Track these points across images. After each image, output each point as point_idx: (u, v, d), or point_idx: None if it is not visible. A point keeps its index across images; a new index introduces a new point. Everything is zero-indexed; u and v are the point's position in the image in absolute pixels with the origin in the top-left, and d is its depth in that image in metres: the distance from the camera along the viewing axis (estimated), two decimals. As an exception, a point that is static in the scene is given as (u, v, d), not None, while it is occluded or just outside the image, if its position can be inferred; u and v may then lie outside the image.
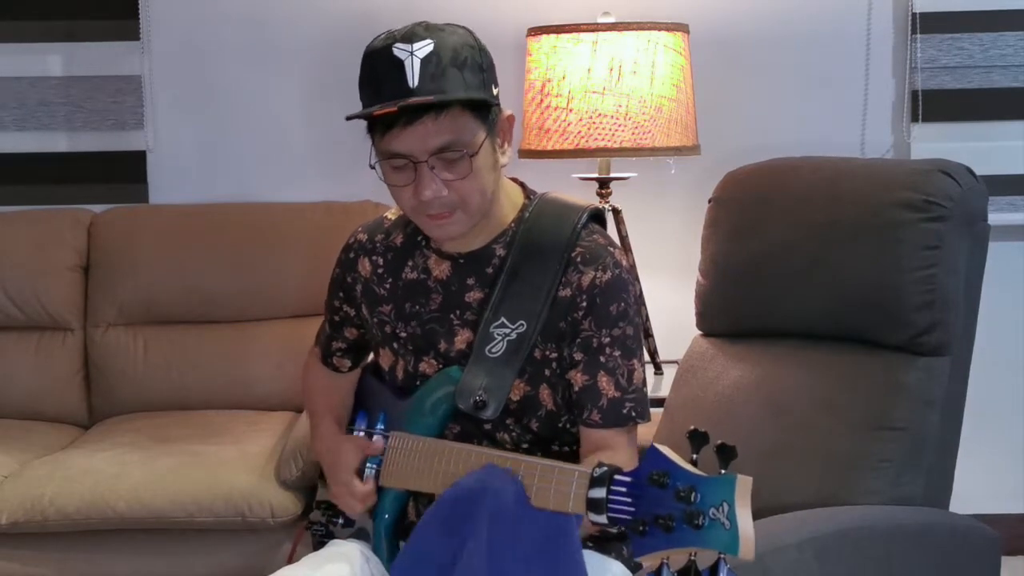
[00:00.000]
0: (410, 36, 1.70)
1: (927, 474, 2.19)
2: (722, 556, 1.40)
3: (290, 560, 2.07)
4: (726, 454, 1.41)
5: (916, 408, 2.19)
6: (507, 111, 1.80)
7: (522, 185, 1.91)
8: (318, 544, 1.96)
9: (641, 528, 1.43)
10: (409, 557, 1.65)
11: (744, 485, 1.39)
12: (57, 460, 2.86)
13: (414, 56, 1.69)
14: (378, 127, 1.72)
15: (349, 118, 1.73)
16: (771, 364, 2.38)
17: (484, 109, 1.74)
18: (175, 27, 3.47)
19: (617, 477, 1.49)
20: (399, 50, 1.69)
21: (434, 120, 1.68)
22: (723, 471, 1.40)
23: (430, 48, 1.69)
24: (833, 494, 2.15)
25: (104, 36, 3.45)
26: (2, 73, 3.46)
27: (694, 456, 1.44)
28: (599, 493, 1.50)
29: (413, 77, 1.68)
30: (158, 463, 2.79)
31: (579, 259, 1.80)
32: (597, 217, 1.90)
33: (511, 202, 1.86)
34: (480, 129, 1.73)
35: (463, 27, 1.77)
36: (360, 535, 1.89)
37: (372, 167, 1.76)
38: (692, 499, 1.40)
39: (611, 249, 1.83)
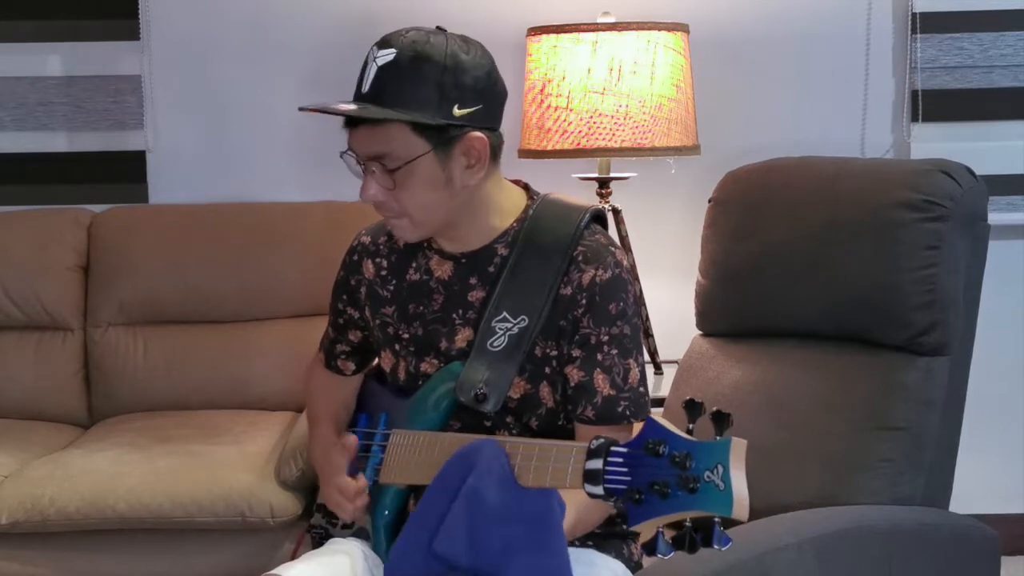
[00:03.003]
0: (386, 41, 1.75)
1: (927, 474, 2.19)
2: (717, 521, 1.40)
3: (293, 558, 2.07)
4: (721, 421, 1.42)
5: (916, 408, 2.19)
6: (477, 133, 1.76)
7: (525, 187, 1.91)
8: (318, 545, 1.96)
9: (637, 497, 1.44)
10: (407, 530, 1.68)
11: (739, 447, 1.40)
12: (57, 460, 2.85)
13: (375, 63, 1.74)
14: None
15: (302, 109, 1.81)
16: (771, 364, 2.38)
17: (431, 128, 1.73)
18: (175, 27, 3.47)
19: (614, 448, 1.50)
20: (371, 53, 1.75)
21: (370, 129, 1.74)
22: (718, 437, 1.41)
23: (390, 58, 1.73)
24: (833, 494, 2.15)
25: (104, 36, 3.45)
26: (2, 73, 3.46)
27: (690, 426, 1.46)
28: (596, 464, 1.50)
29: (367, 82, 1.74)
30: (158, 463, 2.79)
31: (580, 257, 1.80)
32: (599, 218, 1.90)
33: (512, 204, 1.86)
34: (420, 146, 1.73)
35: (456, 42, 1.76)
36: (360, 535, 1.89)
37: (341, 156, 1.81)
38: (687, 464, 1.40)
39: (612, 249, 1.83)
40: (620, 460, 1.48)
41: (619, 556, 1.88)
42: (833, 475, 2.18)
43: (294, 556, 2.08)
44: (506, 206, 1.85)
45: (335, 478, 1.87)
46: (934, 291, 2.20)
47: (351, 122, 1.76)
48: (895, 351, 2.23)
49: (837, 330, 2.32)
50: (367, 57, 1.76)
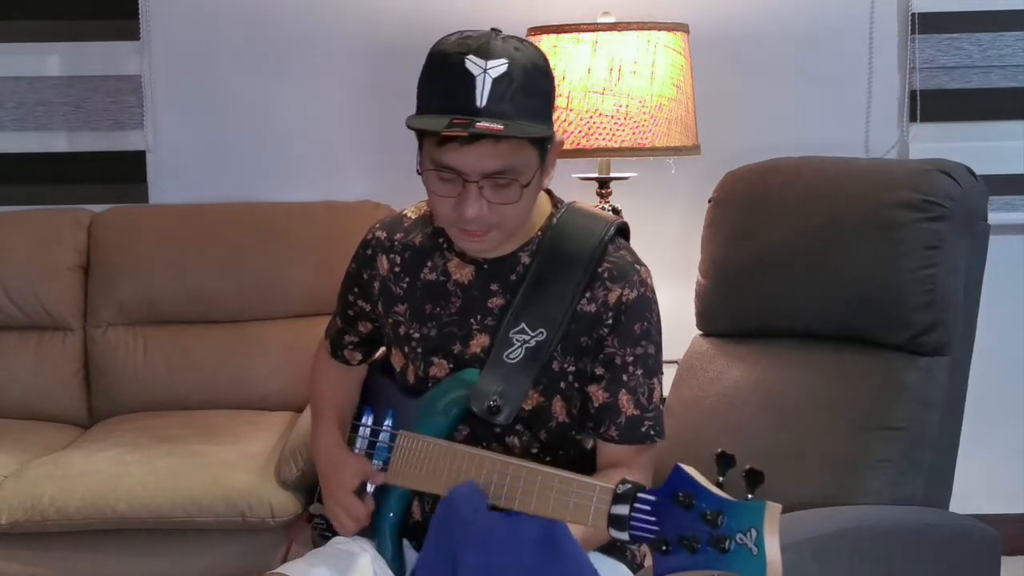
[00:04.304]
0: (486, 51, 1.65)
1: (927, 474, 2.19)
2: None
3: (286, 555, 2.06)
4: (754, 479, 1.40)
5: (916, 408, 2.19)
6: (559, 136, 1.78)
7: (549, 193, 1.89)
8: (320, 537, 1.95)
9: (664, 547, 1.42)
10: None
11: (773, 512, 1.38)
12: (57, 460, 2.85)
13: (487, 74, 1.64)
14: (434, 137, 1.68)
15: (413, 128, 1.68)
16: (771, 364, 2.39)
17: (540, 138, 1.71)
18: (175, 27, 3.47)
19: (641, 495, 1.48)
20: (472, 63, 1.65)
21: (494, 144, 1.65)
22: (750, 496, 1.40)
23: (504, 68, 1.65)
24: (833, 494, 2.15)
25: (104, 36, 3.45)
26: (2, 73, 3.46)
27: (720, 479, 1.43)
28: (622, 510, 1.49)
29: (483, 96, 1.64)
30: (158, 463, 2.79)
31: (606, 275, 1.79)
32: (622, 231, 1.89)
33: (539, 211, 1.84)
34: (536, 159, 1.71)
35: (534, 47, 1.72)
36: (364, 533, 1.88)
37: (419, 173, 1.72)
38: (719, 522, 1.38)
39: (638, 267, 1.82)
40: (647, 508, 1.46)
41: (622, 559, 1.88)
42: (833, 475, 2.18)
43: (287, 553, 2.07)
44: (535, 212, 1.82)
45: (343, 497, 1.85)
46: (934, 291, 2.20)
47: (459, 139, 1.64)
48: (895, 351, 2.23)
49: (837, 330, 2.32)
50: (464, 67, 1.65)
